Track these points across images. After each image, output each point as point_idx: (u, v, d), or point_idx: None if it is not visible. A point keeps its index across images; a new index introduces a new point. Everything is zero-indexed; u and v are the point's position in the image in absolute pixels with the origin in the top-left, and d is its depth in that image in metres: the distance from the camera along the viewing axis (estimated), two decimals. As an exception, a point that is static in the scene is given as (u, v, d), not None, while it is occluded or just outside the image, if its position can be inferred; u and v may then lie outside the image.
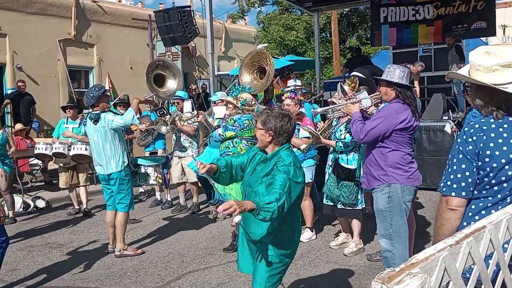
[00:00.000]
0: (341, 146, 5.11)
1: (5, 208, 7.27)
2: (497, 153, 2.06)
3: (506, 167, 2.06)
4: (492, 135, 2.07)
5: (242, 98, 5.18)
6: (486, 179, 2.10)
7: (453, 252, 1.35)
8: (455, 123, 7.10)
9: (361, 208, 5.22)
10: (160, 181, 6.59)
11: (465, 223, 2.13)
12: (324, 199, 5.47)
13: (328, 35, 24.94)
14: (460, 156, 2.12)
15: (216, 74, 11.06)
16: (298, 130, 5.45)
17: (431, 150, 8.22)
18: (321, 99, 12.24)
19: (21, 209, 7.77)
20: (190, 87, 15.21)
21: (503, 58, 2.04)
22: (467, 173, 2.10)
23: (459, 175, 2.11)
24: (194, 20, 10.18)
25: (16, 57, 12.61)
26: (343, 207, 5.22)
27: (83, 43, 14.29)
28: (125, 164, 5.42)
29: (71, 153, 7.04)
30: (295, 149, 5.02)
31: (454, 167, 2.13)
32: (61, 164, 7.50)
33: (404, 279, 1.16)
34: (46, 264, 5.33)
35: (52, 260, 5.46)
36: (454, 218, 2.14)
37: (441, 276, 1.29)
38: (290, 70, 12.02)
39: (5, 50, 12.47)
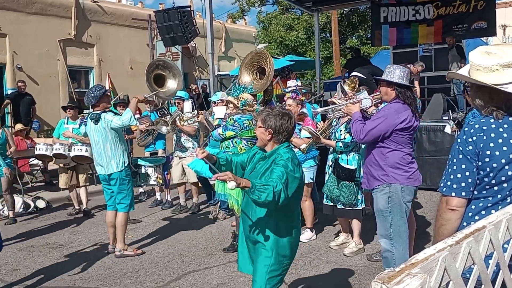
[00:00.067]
0: (341, 146, 5.11)
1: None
2: (497, 153, 2.06)
3: (506, 167, 2.06)
4: (492, 135, 2.07)
5: (243, 98, 5.18)
6: (486, 179, 2.10)
7: (453, 252, 1.35)
8: (455, 123, 7.10)
9: (361, 208, 5.22)
10: (161, 181, 6.59)
11: (465, 223, 2.13)
12: (324, 199, 5.47)
13: (328, 35, 24.94)
14: (460, 156, 2.12)
15: (216, 74, 11.05)
16: (300, 130, 5.45)
17: (431, 150, 8.22)
18: (321, 99, 12.23)
19: (21, 210, 7.78)
20: (190, 87, 15.22)
21: (503, 58, 2.04)
22: (467, 173, 2.10)
23: (459, 175, 2.11)
24: (194, 20, 10.19)
25: (16, 57, 12.62)
26: (343, 207, 5.22)
27: (83, 43, 14.30)
28: (126, 164, 5.43)
29: (72, 154, 7.05)
30: (295, 149, 5.03)
31: (454, 167, 2.13)
32: (61, 165, 7.51)
33: (404, 279, 1.16)
34: (46, 264, 5.33)
35: (52, 260, 5.46)
36: (454, 218, 2.14)
37: (441, 276, 1.29)
38: (290, 70, 12.01)
39: (5, 50, 12.47)
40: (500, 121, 2.09)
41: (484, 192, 2.12)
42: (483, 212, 2.12)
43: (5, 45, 12.45)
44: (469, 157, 2.09)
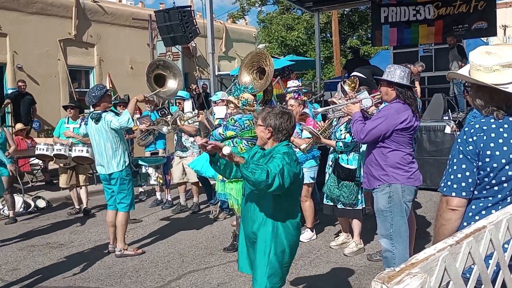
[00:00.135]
0: (341, 146, 5.11)
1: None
2: (497, 153, 2.06)
3: (507, 167, 2.06)
4: (493, 135, 2.07)
5: (243, 98, 5.18)
6: (486, 179, 2.10)
7: (453, 252, 1.35)
8: (456, 123, 7.09)
9: (361, 208, 5.22)
10: (161, 181, 6.60)
11: (465, 223, 2.13)
12: (324, 199, 5.47)
13: (329, 35, 24.94)
14: (461, 156, 2.12)
15: (216, 74, 11.05)
16: (301, 130, 5.45)
17: (432, 150, 8.22)
18: (321, 99, 12.23)
19: (21, 209, 7.78)
20: (190, 87, 15.21)
21: (503, 58, 2.04)
22: (468, 173, 2.10)
23: (459, 175, 2.11)
24: (194, 20, 10.19)
25: (16, 57, 12.62)
26: (343, 207, 5.22)
27: (83, 43, 14.30)
28: (126, 164, 5.43)
29: (73, 154, 7.05)
30: (296, 150, 5.03)
31: (455, 167, 2.13)
32: (62, 165, 7.51)
33: (404, 279, 1.16)
34: (46, 263, 5.33)
35: (53, 260, 5.47)
36: (455, 218, 2.14)
37: (441, 276, 1.29)
38: (291, 70, 12.01)
39: (5, 50, 12.48)
40: (500, 121, 2.09)
41: (485, 192, 2.12)
42: (483, 212, 2.12)
43: (5, 44, 12.46)
44: (469, 157, 2.09)
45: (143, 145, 7.90)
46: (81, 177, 7.55)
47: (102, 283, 4.71)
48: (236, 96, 5.26)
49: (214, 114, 6.31)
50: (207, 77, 16.23)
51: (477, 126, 2.11)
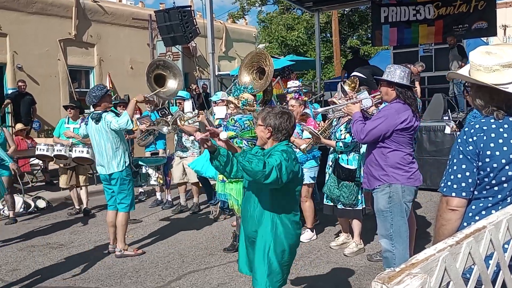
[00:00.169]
0: (341, 146, 5.11)
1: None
2: (497, 153, 2.06)
3: (507, 167, 2.06)
4: (493, 135, 2.07)
5: (243, 98, 5.18)
6: (486, 179, 2.09)
7: (453, 252, 1.35)
8: (456, 123, 7.09)
9: (361, 208, 5.22)
10: (161, 181, 6.59)
11: (465, 224, 2.13)
12: (325, 199, 5.47)
13: (329, 35, 24.94)
14: (461, 156, 2.12)
15: (216, 74, 11.05)
16: (302, 131, 5.45)
17: (432, 150, 8.22)
18: (321, 99, 12.24)
19: (21, 209, 7.78)
20: (190, 87, 15.22)
21: (503, 58, 2.04)
22: (468, 174, 2.10)
23: (459, 176, 2.11)
24: (194, 20, 10.19)
25: (16, 57, 12.62)
26: (343, 207, 5.22)
27: (83, 43, 14.30)
28: (127, 164, 5.43)
29: (73, 155, 7.05)
30: (296, 150, 5.03)
31: (455, 168, 2.13)
32: (62, 165, 7.51)
33: (404, 279, 1.16)
34: (46, 264, 5.33)
35: (53, 260, 5.46)
36: (455, 219, 2.14)
37: (441, 276, 1.29)
38: (291, 70, 12.00)
39: (5, 50, 12.48)
40: (500, 121, 2.09)
41: (485, 192, 2.12)
42: (483, 212, 2.12)
43: (5, 45, 12.46)
44: (469, 157, 2.09)
45: (143, 145, 7.90)
46: (81, 178, 7.55)
47: (102, 283, 4.71)
48: (236, 96, 5.26)
49: (214, 114, 6.31)
50: (207, 77, 16.23)
51: (477, 126, 2.11)
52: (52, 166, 9.35)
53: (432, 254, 1.30)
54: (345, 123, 5.13)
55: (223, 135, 2.56)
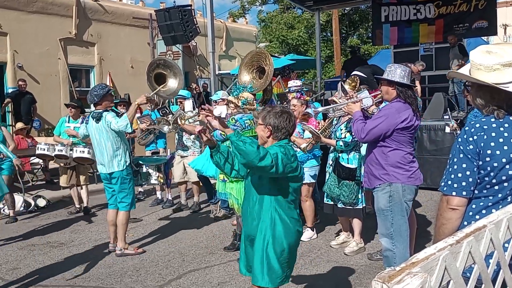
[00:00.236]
0: (341, 145, 5.11)
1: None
2: (497, 152, 2.06)
3: (507, 166, 2.06)
4: (493, 134, 2.07)
5: (243, 97, 5.18)
6: (486, 179, 2.09)
7: (453, 251, 1.35)
8: (457, 122, 7.09)
9: (361, 207, 5.22)
10: (162, 180, 6.59)
11: (465, 223, 2.13)
12: (325, 198, 5.47)
13: (329, 34, 24.94)
14: (461, 155, 2.12)
15: (217, 73, 11.06)
16: (303, 130, 5.45)
17: (432, 150, 8.22)
18: (322, 98, 12.23)
19: (21, 208, 7.78)
20: (191, 86, 15.20)
21: (504, 57, 2.04)
22: (468, 173, 2.10)
23: (459, 175, 2.11)
24: (195, 19, 10.19)
25: (17, 56, 12.61)
26: (343, 206, 5.22)
27: (84, 42, 14.29)
28: (127, 163, 5.43)
29: (73, 155, 7.05)
30: (297, 150, 5.03)
31: (455, 167, 2.13)
32: (62, 164, 7.51)
33: (404, 278, 1.16)
34: (47, 263, 5.34)
35: (53, 259, 5.47)
36: (455, 218, 2.14)
37: (442, 275, 1.29)
38: (291, 69, 12.00)
39: (5, 49, 12.47)
40: (501, 120, 2.09)
41: (485, 191, 2.12)
42: (483, 211, 2.12)
43: (5, 44, 12.44)
44: (469, 156, 2.09)
45: (143, 144, 7.90)
46: (82, 177, 7.55)
47: (103, 282, 4.72)
48: (235, 96, 5.26)
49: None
50: (208, 76, 16.21)
51: (477, 125, 2.11)
52: (52, 165, 9.35)
53: (433, 253, 1.30)
54: (345, 122, 5.13)
55: (217, 111, 2.59)
